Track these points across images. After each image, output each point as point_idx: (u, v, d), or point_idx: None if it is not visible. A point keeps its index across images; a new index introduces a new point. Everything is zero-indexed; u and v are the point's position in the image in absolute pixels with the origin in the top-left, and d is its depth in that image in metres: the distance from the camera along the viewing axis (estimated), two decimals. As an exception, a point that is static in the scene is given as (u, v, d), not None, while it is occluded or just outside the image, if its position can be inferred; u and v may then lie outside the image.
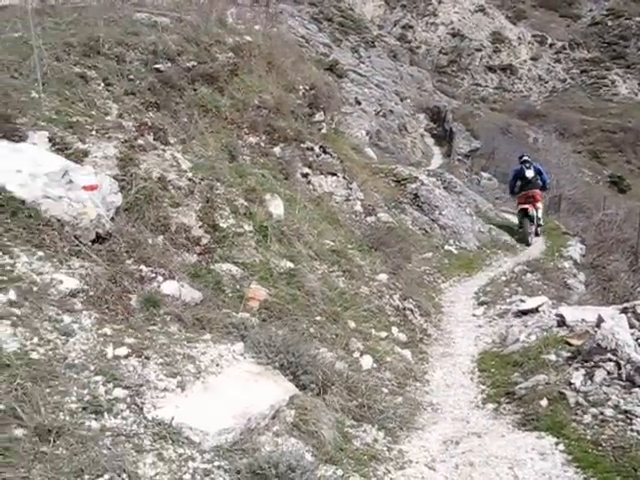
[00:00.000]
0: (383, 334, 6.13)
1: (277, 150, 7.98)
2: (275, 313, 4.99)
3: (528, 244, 14.46)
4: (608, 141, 64.55)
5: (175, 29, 8.08)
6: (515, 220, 16.30)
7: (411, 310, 7.13)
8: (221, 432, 3.04)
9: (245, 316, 4.61)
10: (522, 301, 8.49)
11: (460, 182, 17.22)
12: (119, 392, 3.00)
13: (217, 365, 3.56)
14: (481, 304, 9.12)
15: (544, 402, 4.81)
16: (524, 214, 14.81)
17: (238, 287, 5.02)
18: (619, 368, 5.07)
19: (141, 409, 2.97)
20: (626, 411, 4.44)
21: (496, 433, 4.58)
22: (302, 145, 8.61)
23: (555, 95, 77.78)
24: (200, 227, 5.32)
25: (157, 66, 7.14)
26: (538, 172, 15.26)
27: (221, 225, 5.49)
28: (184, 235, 5.12)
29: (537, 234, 15.23)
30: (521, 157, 15.97)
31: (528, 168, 15.07)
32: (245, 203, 5.94)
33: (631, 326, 6.12)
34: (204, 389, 3.32)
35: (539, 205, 14.97)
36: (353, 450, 3.87)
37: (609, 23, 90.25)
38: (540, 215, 15.18)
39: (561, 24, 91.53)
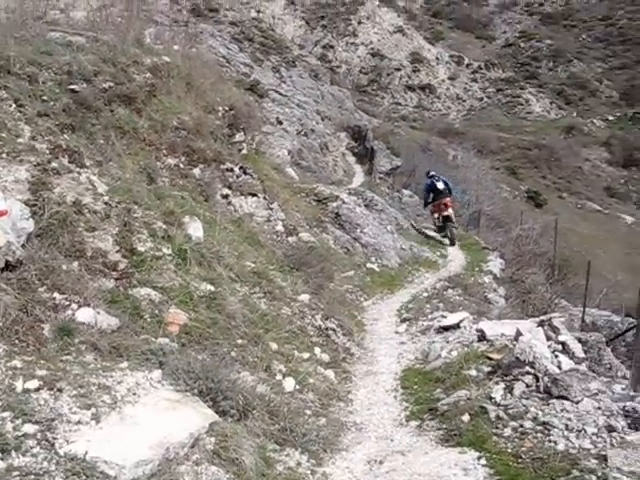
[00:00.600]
0: (305, 355, 6.13)
1: (197, 172, 7.90)
2: (195, 337, 4.92)
3: (454, 244, 17.01)
4: (524, 157, 66.93)
5: (91, 49, 7.91)
6: (436, 236, 17.09)
7: (333, 330, 7.15)
8: (138, 464, 2.96)
9: (164, 342, 4.52)
10: (444, 317, 8.62)
11: (381, 200, 17.45)
12: (28, 428, 2.89)
13: (134, 394, 3.48)
14: (403, 321, 9.21)
15: (466, 417, 4.88)
16: (445, 219, 17.28)
17: (157, 312, 4.92)
18: (537, 380, 5.22)
19: (52, 445, 2.87)
20: (544, 422, 4.55)
21: (420, 450, 4.62)
22: (222, 166, 8.56)
23: (473, 113, 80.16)
24: (117, 252, 5.20)
25: (72, 87, 6.94)
26: (445, 183, 17.82)
27: (139, 249, 5.38)
28: (100, 260, 4.99)
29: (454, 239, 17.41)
30: (428, 172, 19.34)
31: (437, 181, 17.76)
32: (164, 226, 5.85)
33: (548, 338, 6.34)
34: (120, 420, 3.23)
35: (451, 211, 17.46)
36: (275, 475, 3.83)
37: (522, 45, 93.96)
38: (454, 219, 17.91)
39: (477, 45, 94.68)
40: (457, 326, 7.92)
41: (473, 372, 5.84)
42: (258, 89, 24.44)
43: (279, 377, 5.26)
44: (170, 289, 5.25)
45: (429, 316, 9.10)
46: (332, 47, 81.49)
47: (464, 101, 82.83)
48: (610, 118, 79.77)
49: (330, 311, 7.54)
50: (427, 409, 5.48)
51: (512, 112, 80.00)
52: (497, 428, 4.64)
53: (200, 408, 3.66)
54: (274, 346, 5.74)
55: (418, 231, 17.91)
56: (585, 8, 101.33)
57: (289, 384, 5.22)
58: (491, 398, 5.11)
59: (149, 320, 4.82)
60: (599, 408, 4.76)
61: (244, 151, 10.12)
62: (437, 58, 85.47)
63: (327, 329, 7.08)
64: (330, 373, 6.13)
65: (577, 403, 4.82)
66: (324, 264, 9.13)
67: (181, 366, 3.83)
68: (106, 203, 5.47)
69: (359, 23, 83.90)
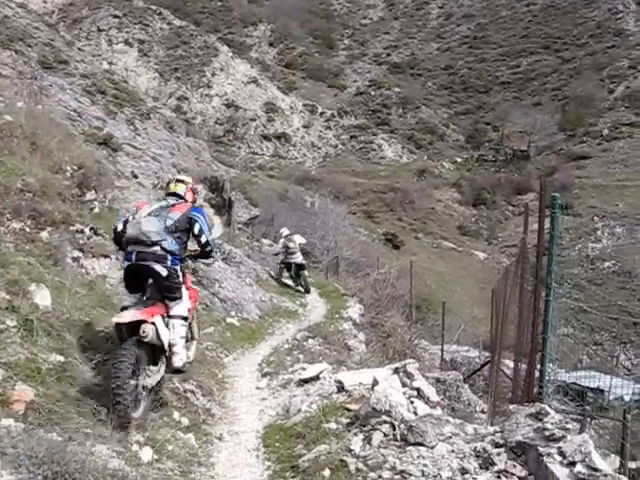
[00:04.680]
0: (164, 420, 6.00)
1: (44, 235, 7.61)
2: (44, 414, 4.67)
3: (309, 291, 18.15)
4: (380, 201, 69.52)
5: None
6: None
7: (192, 391, 7.05)
8: None
9: (8, 423, 4.27)
10: (304, 369, 8.71)
11: (240, 252, 17.51)
12: None
13: (-29, 490, 3.26)
14: (265, 375, 9.23)
15: (326, 472, 4.91)
16: (298, 267, 18.53)
17: (1, 390, 4.66)
18: (394, 429, 5.34)
19: None
20: (402, 471, 4.66)
21: (281, 512, 4.63)
22: (72, 228, 8.30)
23: (328, 160, 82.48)
24: (-45, 328, 4.91)
25: None
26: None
27: (-20, 323, 5.11)
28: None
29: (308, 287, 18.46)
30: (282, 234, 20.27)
31: (289, 241, 18.98)
32: (7, 297, 5.58)
33: (403, 385, 6.52)
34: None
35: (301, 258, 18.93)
36: None
37: (372, 93, 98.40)
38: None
39: (329, 94, 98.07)
40: (317, 378, 8.03)
41: (333, 425, 5.93)
42: (112, 143, 24.00)
43: (136, 448, 5.09)
44: (15, 364, 4.99)
45: (290, 369, 9.17)
46: (187, 98, 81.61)
47: (319, 148, 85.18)
48: (458, 160, 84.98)
49: (188, 372, 7.42)
50: (289, 467, 5.49)
51: (366, 157, 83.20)
52: (357, 481, 4.66)
53: (44, 496, 3.49)
54: (130, 415, 5.57)
55: (277, 281, 18.07)
56: (429, 58, 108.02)
57: (146, 454, 5.06)
58: (350, 450, 5.19)
59: (-8, 401, 4.55)
60: (453, 451, 4.95)
61: (96, 210, 9.88)
62: (291, 107, 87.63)
63: (185, 391, 6.96)
64: (190, 437, 6.01)
65: (432, 448, 4.99)
66: (182, 323, 8.99)
67: (23, 452, 3.62)
68: (-58, 276, 5.16)
69: (213, 74, 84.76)
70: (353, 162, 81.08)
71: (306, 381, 8.07)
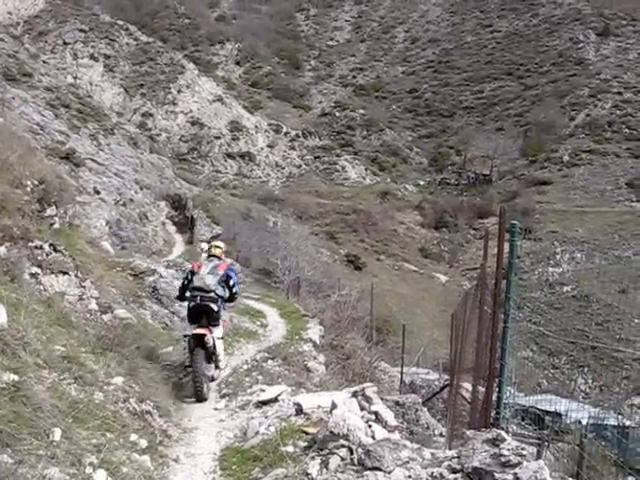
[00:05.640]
0: (120, 442, 5.90)
1: (2, 250, 7.48)
2: (-5, 436, 4.58)
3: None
4: (343, 222, 69.94)
5: None
6: (256, 305, 17.06)
7: (149, 412, 6.95)
8: None
9: (-43, 444, 4.18)
10: (262, 391, 8.64)
11: (202, 271, 17.35)
12: None
13: None
14: (223, 397, 9.15)
15: (283, 497, 4.90)
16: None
17: (-49, 410, 4.55)
18: (351, 453, 5.30)
19: None
20: (359, 496, 4.66)
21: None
22: (30, 244, 8.17)
23: (292, 180, 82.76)
24: None
25: None
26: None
27: None
28: None
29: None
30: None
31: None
32: (-40, 315, 5.46)
33: (362, 408, 6.49)
34: None
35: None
36: None
37: (337, 114, 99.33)
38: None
39: (295, 114, 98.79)
40: (276, 400, 7.98)
41: (290, 448, 5.89)
42: (74, 158, 23.82)
43: (89, 470, 4.98)
44: (-33, 383, 4.88)
45: (248, 390, 9.11)
46: (152, 115, 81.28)
47: (283, 168, 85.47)
48: (421, 183, 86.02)
49: (146, 392, 7.33)
50: (246, 491, 5.46)
51: (330, 178, 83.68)
52: (314, 506, 4.68)
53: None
54: (85, 436, 5.47)
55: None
56: (394, 81, 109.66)
57: (100, 477, 4.94)
58: (307, 474, 5.15)
59: (-60, 421, 4.43)
60: (410, 477, 4.91)
61: (56, 225, 9.74)
62: (256, 127, 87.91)
63: (143, 412, 6.86)
64: (146, 459, 5.91)
65: (389, 473, 4.94)
66: (140, 342, 8.91)
67: (-26, 474, 3.54)
68: None
69: (179, 92, 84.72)
70: (317, 183, 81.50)
71: (265, 403, 8.01)
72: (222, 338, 9.71)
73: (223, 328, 9.83)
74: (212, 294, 9.20)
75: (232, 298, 9.89)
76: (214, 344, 9.24)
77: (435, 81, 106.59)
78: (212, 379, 9.54)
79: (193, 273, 9.49)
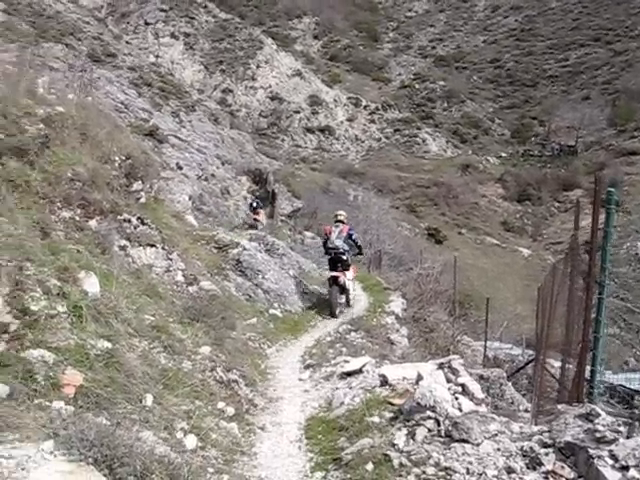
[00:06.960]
0: (208, 409, 6.04)
1: (93, 224, 7.72)
2: (92, 399, 4.74)
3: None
4: (423, 195, 69.04)
5: (-22, 103, 7.67)
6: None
7: (236, 381, 7.09)
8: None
9: (59, 406, 4.34)
10: (346, 362, 8.67)
11: (283, 244, 17.54)
12: None
13: (23, 469, 3.31)
14: (307, 367, 9.23)
15: (369, 466, 4.87)
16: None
17: (51, 374, 4.71)
18: (438, 425, 5.24)
19: None
20: (446, 468, 4.58)
21: (324, 502, 4.60)
22: (119, 217, 8.40)
23: (372, 154, 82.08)
24: (8, 313, 4.99)
25: (-41, 140, 6.76)
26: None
27: (32, 308, 5.17)
28: (-10, 323, 4.79)
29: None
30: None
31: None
32: (58, 283, 5.65)
33: (448, 380, 6.42)
34: (9, 498, 3.09)
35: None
36: None
37: (417, 86, 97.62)
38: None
39: (374, 87, 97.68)
40: (360, 371, 7.99)
41: (376, 419, 5.88)
42: (157, 134, 24.33)
43: (180, 435, 5.13)
44: (65, 349, 5.06)
45: (332, 361, 9.16)
46: (231, 91, 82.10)
47: (363, 142, 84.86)
48: (503, 155, 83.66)
49: (232, 362, 7.47)
50: (331, 459, 5.47)
51: (410, 151, 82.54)
52: (400, 476, 4.64)
53: (95, 478, 3.52)
54: (175, 402, 5.63)
55: (320, 274, 18.04)
56: (475, 51, 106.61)
57: (190, 442, 5.10)
58: (394, 445, 5.12)
59: (43, 383, 4.61)
60: (499, 449, 4.84)
61: (142, 200, 9.97)
62: (335, 100, 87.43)
63: (229, 381, 7.00)
64: (233, 426, 6.04)
65: (478, 446, 4.88)
66: (225, 313, 9.06)
67: (74, 434, 3.66)
68: (-4, 262, 5.26)
69: (258, 67, 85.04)
70: (397, 156, 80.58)
71: (349, 374, 8.04)
72: (352, 280, 14.58)
73: (354, 272, 14.86)
74: (341, 249, 13.94)
75: (360, 252, 15.44)
76: (344, 283, 13.97)
77: (517, 50, 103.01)
78: (347, 303, 14.52)
79: (327, 236, 14.27)
